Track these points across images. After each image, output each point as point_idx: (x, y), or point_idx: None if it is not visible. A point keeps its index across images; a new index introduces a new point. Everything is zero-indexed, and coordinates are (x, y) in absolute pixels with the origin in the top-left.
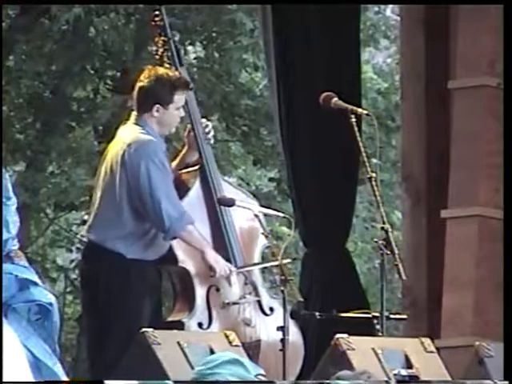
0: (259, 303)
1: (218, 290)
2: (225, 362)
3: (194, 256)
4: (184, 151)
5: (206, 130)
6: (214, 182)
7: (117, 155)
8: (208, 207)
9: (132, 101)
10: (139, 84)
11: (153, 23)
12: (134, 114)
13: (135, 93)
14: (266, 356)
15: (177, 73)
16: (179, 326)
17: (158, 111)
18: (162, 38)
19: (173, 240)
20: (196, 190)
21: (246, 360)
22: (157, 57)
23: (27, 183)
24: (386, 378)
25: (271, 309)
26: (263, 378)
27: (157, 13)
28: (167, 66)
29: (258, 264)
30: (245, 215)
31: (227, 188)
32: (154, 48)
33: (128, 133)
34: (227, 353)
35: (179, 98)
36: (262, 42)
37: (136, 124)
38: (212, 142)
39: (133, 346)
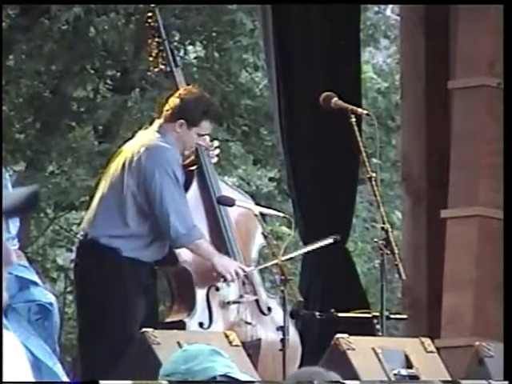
0: (257, 303)
1: (217, 289)
2: (208, 354)
3: (194, 256)
4: (191, 156)
5: (210, 148)
6: (212, 182)
7: (132, 156)
8: (206, 207)
9: (157, 108)
10: (177, 94)
11: (147, 24)
12: (158, 121)
13: (169, 101)
14: (264, 355)
15: (217, 104)
16: (180, 325)
17: (180, 127)
18: (157, 39)
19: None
20: (193, 190)
21: (216, 348)
22: (151, 58)
23: (27, 183)
24: (386, 378)
25: (269, 308)
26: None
27: (150, 14)
28: (162, 67)
29: (263, 264)
30: (242, 215)
31: (224, 188)
32: (149, 49)
33: (147, 137)
34: (197, 345)
35: (205, 125)
36: (262, 41)
37: (157, 132)
38: (215, 160)
39: (133, 345)
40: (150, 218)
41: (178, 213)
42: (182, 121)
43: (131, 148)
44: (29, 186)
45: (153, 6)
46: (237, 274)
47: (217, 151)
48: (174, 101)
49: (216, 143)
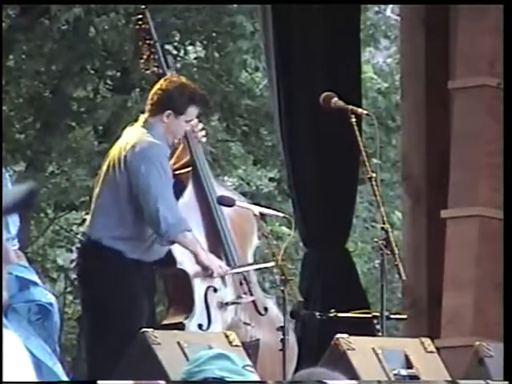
0: (254, 303)
1: (215, 290)
2: (210, 357)
3: (192, 257)
4: (180, 149)
5: (195, 129)
6: (208, 183)
7: (120, 155)
8: (202, 209)
9: (146, 102)
10: (158, 86)
11: (137, 27)
12: (143, 116)
13: (151, 94)
14: (262, 355)
15: (199, 87)
16: (179, 327)
17: (168, 117)
18: (148, 41)
19: (169, 245)
20: (189, 191)
21: (231, 353)
22: (142, 60)
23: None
24: (386, 378)
25: (265, 308)
26: (251, 369)
27: (140, 16)
28: (154, 69)
29: (251, 265)
30: (238, 216)
31: (219, 189)
32: (141, 51)
33: (134, 134)
34: (214, 349)
35: (192, 111)
36: (263, 42)
37: (143, 127)
38: (204, 140)
39: (133, 345)
40: (143, 216)
41: (166, 203)
42: (169, 111)
43: (118, 147)
44: (26, 184)
45: (143, 7)
46: (222, 270)
47: (203, 132)
48: (156, 93)
49: (201, 125)
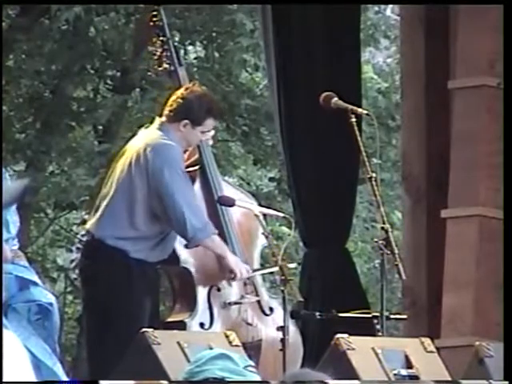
0: (259, 303)
1: (218, 289)
2: (212, 357)
3: (195, 256)
4: (190, 149)
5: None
6: (215, 182)
7: (138, 156)
8: (208, 207)
9: (162, 106)
10: (179, 93)
11: (151, 23)
12: (160, 119)
13: (171, 101)
14: (265, 356)
15: (217, 99)
16: (181, 326)
17: (184, 127)
18: (161, 38)
19: (195, 247)
20: (196, 189)
21: (233, 353)
22: (155, 57)
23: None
24: (386, 378)
25: (271, 309)
26: (253, 369)
27: (155, 13)
28: (166, 66)
29: (269, 267)
30: (244, 215)
31: (227, 188)
32: (153, 48)
33: (150, 136)
34: (216, 349)
35: (209, 123)
36: (263, 41)
37: (159, 129)
38: (211, 143)
39: (133, 345)
40: (160, 218)
41: (192, 209)
42: (187, 121)
43: (135, 147)
44: (20, 180)
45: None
46: (245, 274)
47: (211, 132)
48: (176, 101)
49: (212, 131)
